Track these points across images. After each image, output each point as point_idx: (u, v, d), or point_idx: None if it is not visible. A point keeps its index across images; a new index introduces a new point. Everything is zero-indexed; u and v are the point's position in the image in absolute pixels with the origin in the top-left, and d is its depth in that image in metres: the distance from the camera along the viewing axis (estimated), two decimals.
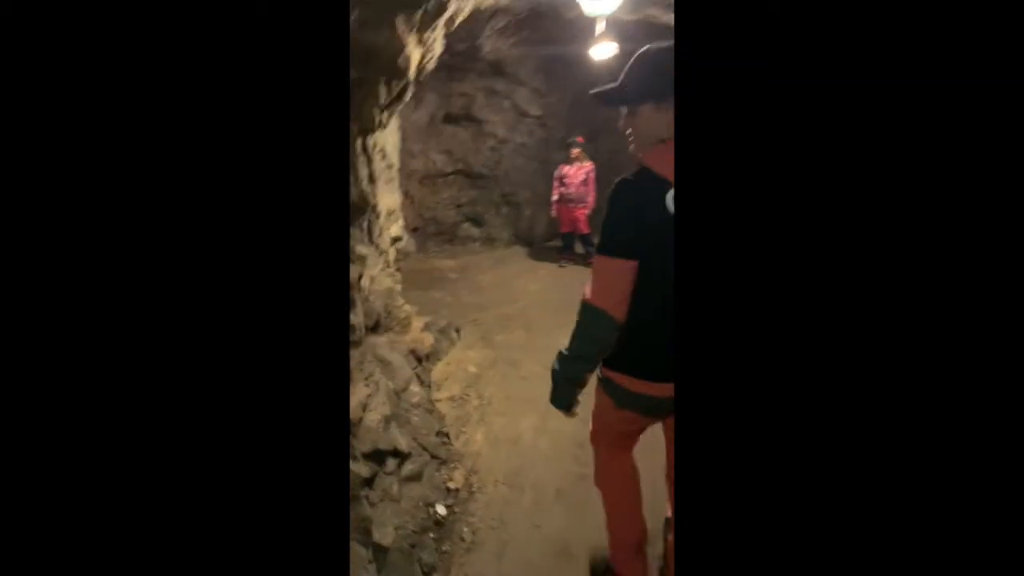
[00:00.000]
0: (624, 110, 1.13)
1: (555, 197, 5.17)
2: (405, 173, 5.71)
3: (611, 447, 1.41)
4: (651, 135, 1.07)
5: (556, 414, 1.29)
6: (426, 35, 1.81)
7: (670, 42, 0.98)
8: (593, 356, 1.16)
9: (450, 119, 5.76)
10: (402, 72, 1.76)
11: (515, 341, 3.39)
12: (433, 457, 2.06)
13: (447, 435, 2.29)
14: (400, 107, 2.02)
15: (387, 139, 2.30)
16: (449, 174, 6.01)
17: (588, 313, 1.10)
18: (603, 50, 3.76)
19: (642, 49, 1.06)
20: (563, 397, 1.21)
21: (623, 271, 1.05)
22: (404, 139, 5.56)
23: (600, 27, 3.63)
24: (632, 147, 1.12)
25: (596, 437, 1.41)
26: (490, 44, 4.56)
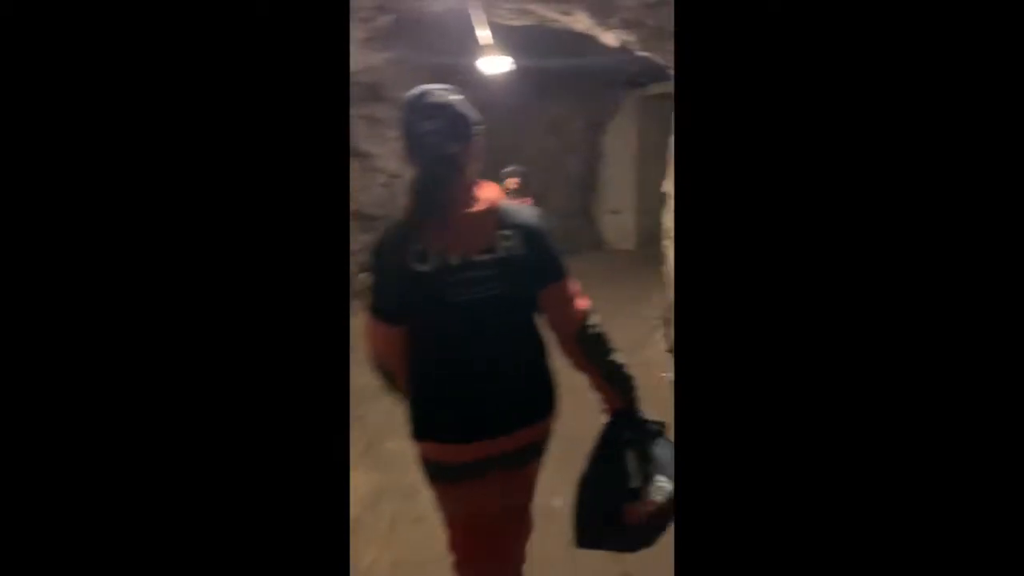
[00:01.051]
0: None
1: None
2: None
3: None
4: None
5: None
6: None
7: (427, 88, 0.98)
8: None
9: None
10: None
11: (412, 449, 2.51)
12: None
13: None
14: None
15: None
16: None
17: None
18: (494, 64, 3.07)
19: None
20: None
21: (389, 336, 1.02)
22: None
23: (483, 33, 2.93)
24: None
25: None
26: (360, 62, 3.75)
